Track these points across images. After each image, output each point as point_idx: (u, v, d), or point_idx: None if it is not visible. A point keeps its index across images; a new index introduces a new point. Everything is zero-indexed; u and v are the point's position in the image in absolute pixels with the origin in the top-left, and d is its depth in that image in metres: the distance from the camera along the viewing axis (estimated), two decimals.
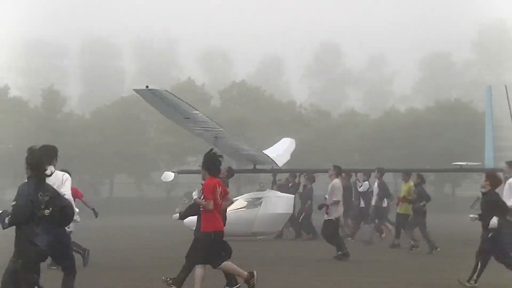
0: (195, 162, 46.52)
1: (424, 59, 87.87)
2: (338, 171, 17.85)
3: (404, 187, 20.03)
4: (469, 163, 26.48)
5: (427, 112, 58.61)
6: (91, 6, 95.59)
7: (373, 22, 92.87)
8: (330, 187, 17.42)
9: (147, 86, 16.44)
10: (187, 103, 18.24)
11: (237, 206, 23.20)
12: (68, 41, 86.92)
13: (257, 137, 57.08)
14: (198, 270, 10.88)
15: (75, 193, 12.76)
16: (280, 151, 28.31)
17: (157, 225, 33.07)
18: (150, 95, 17.43)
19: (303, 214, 24.23)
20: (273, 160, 24.00)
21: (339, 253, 16.69)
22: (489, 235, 11.65)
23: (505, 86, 27.05)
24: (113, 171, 56.41)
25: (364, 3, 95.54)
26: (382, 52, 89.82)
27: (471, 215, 11.96)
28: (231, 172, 18.33)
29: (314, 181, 24.90)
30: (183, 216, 13.26)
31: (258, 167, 24.49)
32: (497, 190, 12.07)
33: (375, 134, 55.58)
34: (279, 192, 24.26)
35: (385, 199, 22.73)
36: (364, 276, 12.52)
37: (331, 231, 17.08)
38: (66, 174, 10.37)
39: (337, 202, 17.16)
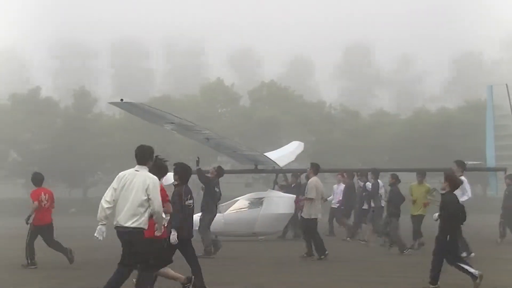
0: (226, 161, 46.58)
1: (454, 59, 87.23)
2: (315, 169, 17.18)
3: (421, 189, 18.75)
4: (470, 162, 26.28)
5: (458, 112, 58.15)
6: (120, 8, 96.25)
7: (402, 21, 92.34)
8: (307, 186, 17.04)
9: (122, 99, 16.20)
10: (164, 111, 18.15)
11: (239, 206, 23.15)
12: (99, 43, 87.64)
13: (286, 137, 57.09)
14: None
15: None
16: (285, 152, 28.15)
17: None
18: (126, 107, 17.35)
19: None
20: (273, 161, 23.84)
21: (304, 254, 16.40)
22: (448, 237, 11.49)
23: (506, 85, 26.99)
24: None
25: (393, 3, 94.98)
26: (412, 51, 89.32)
27: (435, 215, 11.72)
28: (220, 172, 18.15)
29: None
30: None
31: (259, 167, 24.28)
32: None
33: (405, 134, 55.31)
34: (280, 192, 24.07)
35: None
36: (365, 276, 12.43)
37: (306, 229, 16.76)
38: (151, 178, 10.03)
39: (310, 200, 16.62)
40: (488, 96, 27.09)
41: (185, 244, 11.19)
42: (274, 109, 56.15)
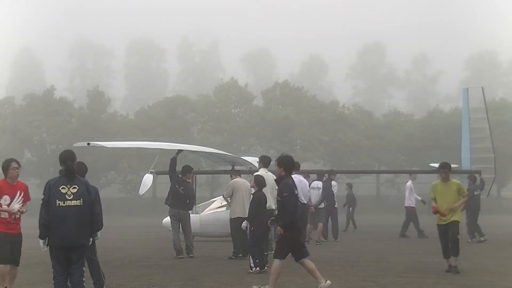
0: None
1: (469, 59, 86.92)
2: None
3: (451, 187, 13.40)
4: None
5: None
6: (136, 8, 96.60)
7: (417, 22, 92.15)
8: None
9: (88, 143, 17.02)
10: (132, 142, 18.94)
11: (216, 206, 22.70)
12: (113, 43, 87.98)
13: (300, 137, 57.04)
14: None
15: None
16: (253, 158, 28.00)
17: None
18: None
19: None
20: (250, 163, 23.50)
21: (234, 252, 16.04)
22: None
23: (482, 88, 27.11)
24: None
25: (408, 3, 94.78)
26: (426, 52, 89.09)
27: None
28: (185, 170, 17.17)
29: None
30: None
31: (236, 168, 23.90)
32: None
33: (420, 134, 55.14)
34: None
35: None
36: (382, 277, 12.33)
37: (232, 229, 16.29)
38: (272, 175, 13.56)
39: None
40: (464, 99, 27.14)
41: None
42: (288, 109, 56.08)
